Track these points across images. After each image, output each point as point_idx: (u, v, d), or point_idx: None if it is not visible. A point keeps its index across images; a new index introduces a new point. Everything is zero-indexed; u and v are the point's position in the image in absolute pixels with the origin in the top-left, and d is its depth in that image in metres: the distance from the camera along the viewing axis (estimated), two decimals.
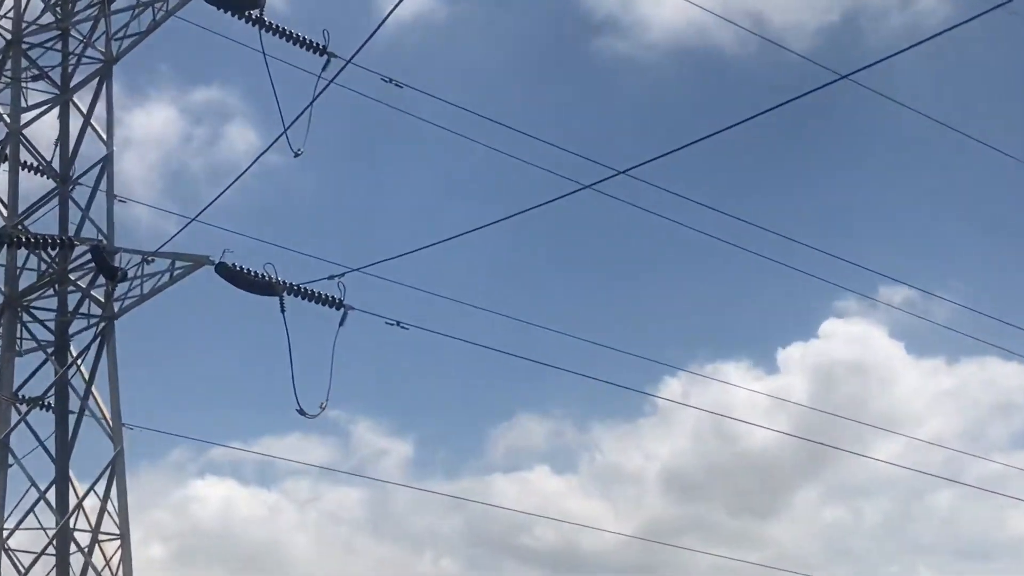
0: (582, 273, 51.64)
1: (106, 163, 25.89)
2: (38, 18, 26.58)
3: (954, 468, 40.37)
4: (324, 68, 24.85)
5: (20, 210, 25.57)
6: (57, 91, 26.40)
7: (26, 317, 25.59)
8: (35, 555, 24.70)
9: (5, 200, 25.61)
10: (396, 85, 25.70)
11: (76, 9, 26.41)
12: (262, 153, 24.58)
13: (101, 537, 25.05)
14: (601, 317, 48.28)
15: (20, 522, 24.56)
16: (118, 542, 24.98)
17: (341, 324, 23.82)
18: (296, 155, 24.43)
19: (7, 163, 25.70)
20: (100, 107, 26.29)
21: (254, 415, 48.10)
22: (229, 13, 24.36)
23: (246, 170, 24.47)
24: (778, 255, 30.80)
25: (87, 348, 25.50)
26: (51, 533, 24.66)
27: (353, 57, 21.60)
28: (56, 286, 25.67)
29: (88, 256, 25.11)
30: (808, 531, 44.72)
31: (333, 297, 23.98)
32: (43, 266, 25.54)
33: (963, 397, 46.36)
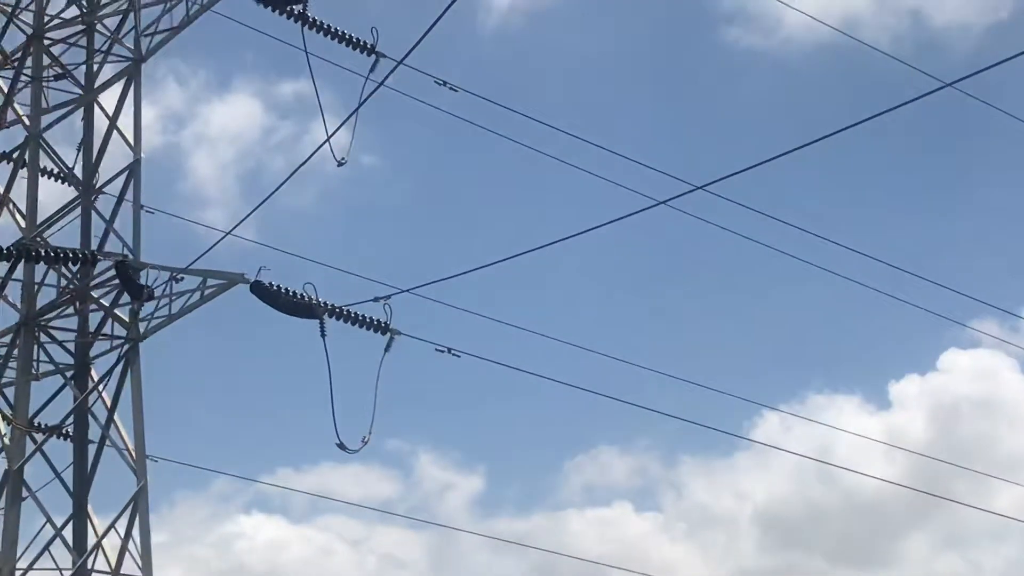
0: (674, 297, 48.89)
1: (133, 170, 25.57)
2: (61, 12, 26.32)
3: None
4: (372, 69, 24.71)
5: (39, 221, 25.48)
6: (81, 91, 26.12)
7: (44, 337, 25.39)
8: None
9: (23, 210, 25.51)
10: (451, 88, 25.46)
11: (103, 3, 26.18)
12: (295, 171, 23.22)
13: None
14: (692, 346, 45.51)
15: (34, 561, 24.10)
16: None
17: (387, 350, 23.46)
18: (339, 164, 24.44)
19: (26, 169, 25.55)
20: (128, 109, 26.00)
21: (302, 446, 45.43)
22: (270, 8, 24.18)
23: (272, 193, 22.94)
24: (892, 288, 29.40)
25: (109, 372, 25.20)
26: (67, 574, 24.08)
27: (405, 57, 19.86)
28: (76, 304, 25.38)
29: (112, 272, 24.85)
30: None
31: (378, 320, 23.47)
32: (63, 282, 25.31)
33: None
